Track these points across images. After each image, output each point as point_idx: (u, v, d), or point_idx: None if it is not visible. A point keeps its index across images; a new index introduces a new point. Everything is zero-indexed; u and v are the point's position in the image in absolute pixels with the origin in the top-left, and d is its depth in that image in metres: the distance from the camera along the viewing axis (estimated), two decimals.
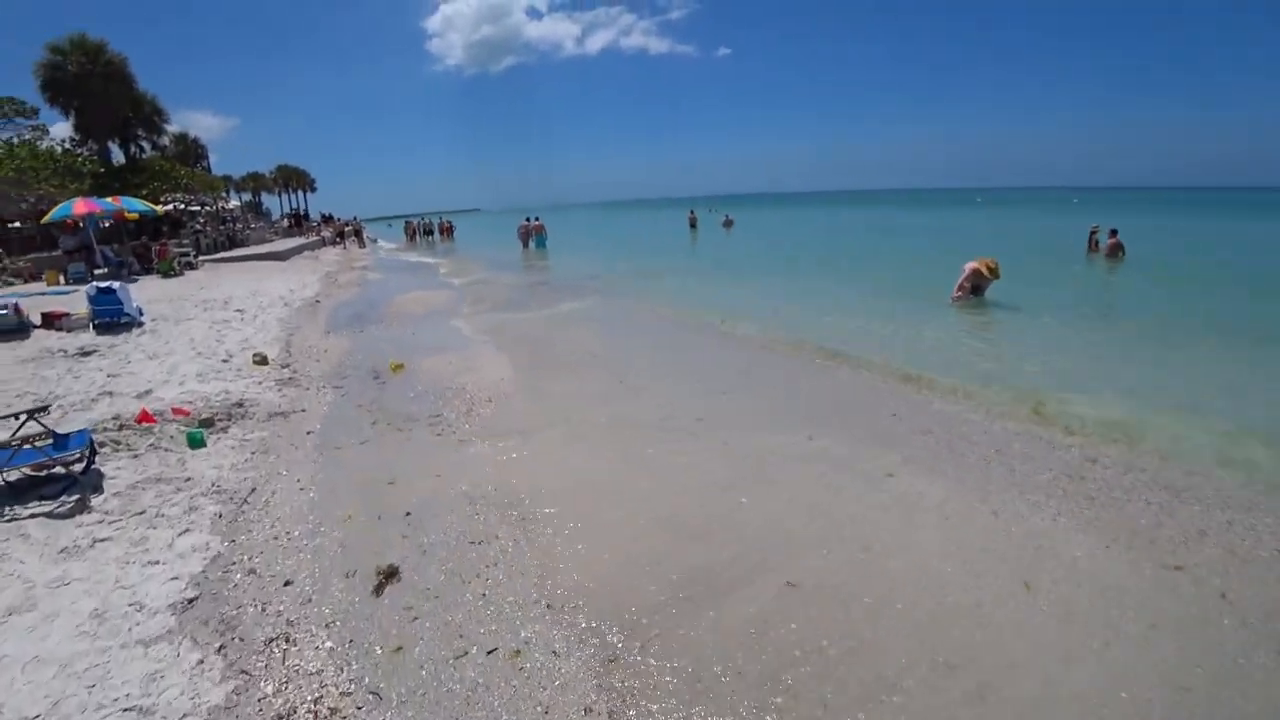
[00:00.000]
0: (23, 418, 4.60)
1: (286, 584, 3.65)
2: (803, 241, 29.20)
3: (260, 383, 7.23)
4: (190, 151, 44.26)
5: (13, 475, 4.42)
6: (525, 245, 26.38)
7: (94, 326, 10.05)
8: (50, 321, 10.12)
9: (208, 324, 10.69)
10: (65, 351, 8.62)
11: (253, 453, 5.35)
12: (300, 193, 69.58)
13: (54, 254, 22.07)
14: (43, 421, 4.68)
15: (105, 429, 5.40)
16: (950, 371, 7.23)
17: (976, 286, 11.27)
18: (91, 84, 25.02)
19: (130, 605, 3.42)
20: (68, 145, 25.32)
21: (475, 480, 4.84)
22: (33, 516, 4.20)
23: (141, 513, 4.33)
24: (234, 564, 3.83)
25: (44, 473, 4.56)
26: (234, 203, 45.87)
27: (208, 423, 5.77)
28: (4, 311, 9.50)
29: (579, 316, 11.25)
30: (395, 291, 15.21)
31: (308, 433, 5.90)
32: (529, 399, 6.64)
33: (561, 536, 4.03)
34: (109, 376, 7.28)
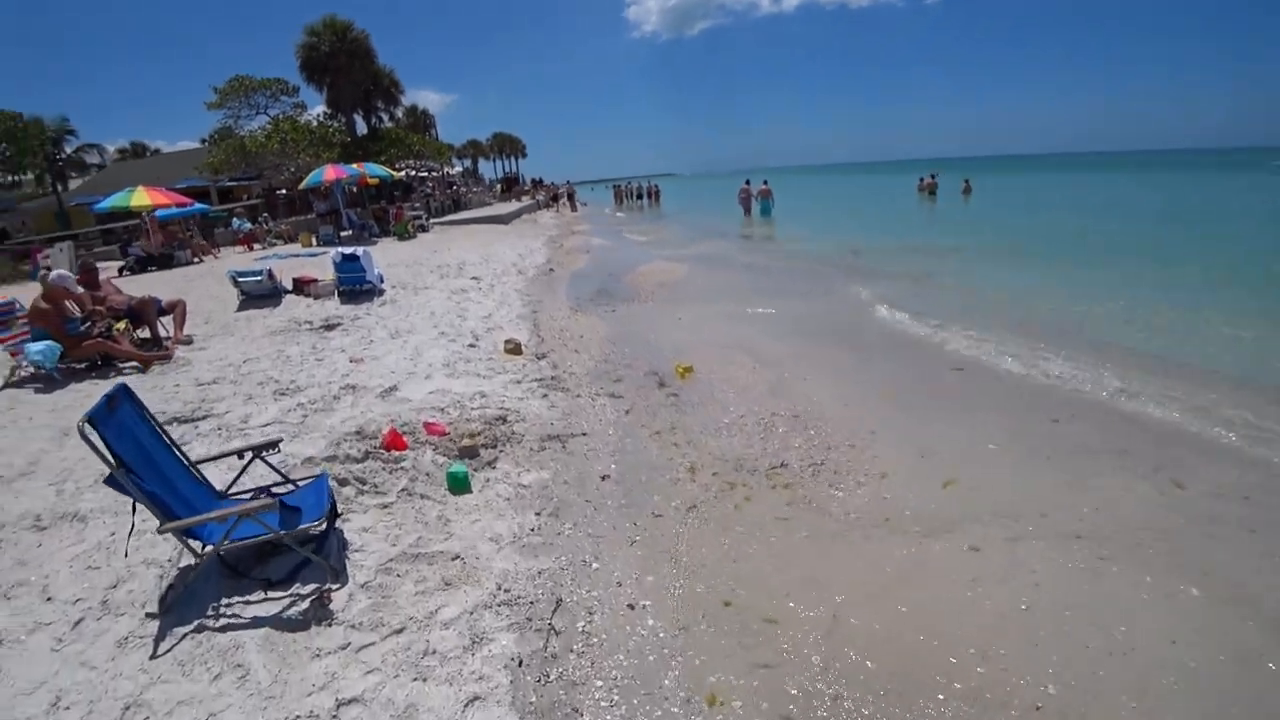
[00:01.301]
0: (248, 457, 3.12)
1: None
2: (1076, 212, 23.42)
3: (519, 381, 5.63)
4: (420, 122, 47.40)
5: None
6: (747, 212, 23.84)
7: (339, 294, 9.41)
8: (300, 287, 9.65)
9: (446, 294, 9.66)
10: (310, 324, 7.82)
11: (538, 514, 3.56)
12: (513, 158, 73.23)
13: (309, 217, 23.82)
14: (271, 463, 3.20)
15: (347, 456, 3.93)
16: None
17: None
18: (339, 60, 26.59)
19: None
20: (321, 118, 27.30)
21: (924, 626, 2.62)
22: (254, 624, 2.67)
23: (400, 631, 2.65)
24: None
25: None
26: (457, 168, 48.66)
27: (470, 452, 4.13)
28: (259, 278, 9.08)
29: (890, 307, 8.50)
30: (629, 260, 13.55)
31: (602, 478, 4.04)
32: (907, 451, 4.26)
33: None
34: (351, 363, 6.12)
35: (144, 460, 2.60)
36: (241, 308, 9.00)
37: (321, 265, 10.72)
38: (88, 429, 2.37)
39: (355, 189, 22.04)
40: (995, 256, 12.88)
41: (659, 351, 6.49)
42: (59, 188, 30.52)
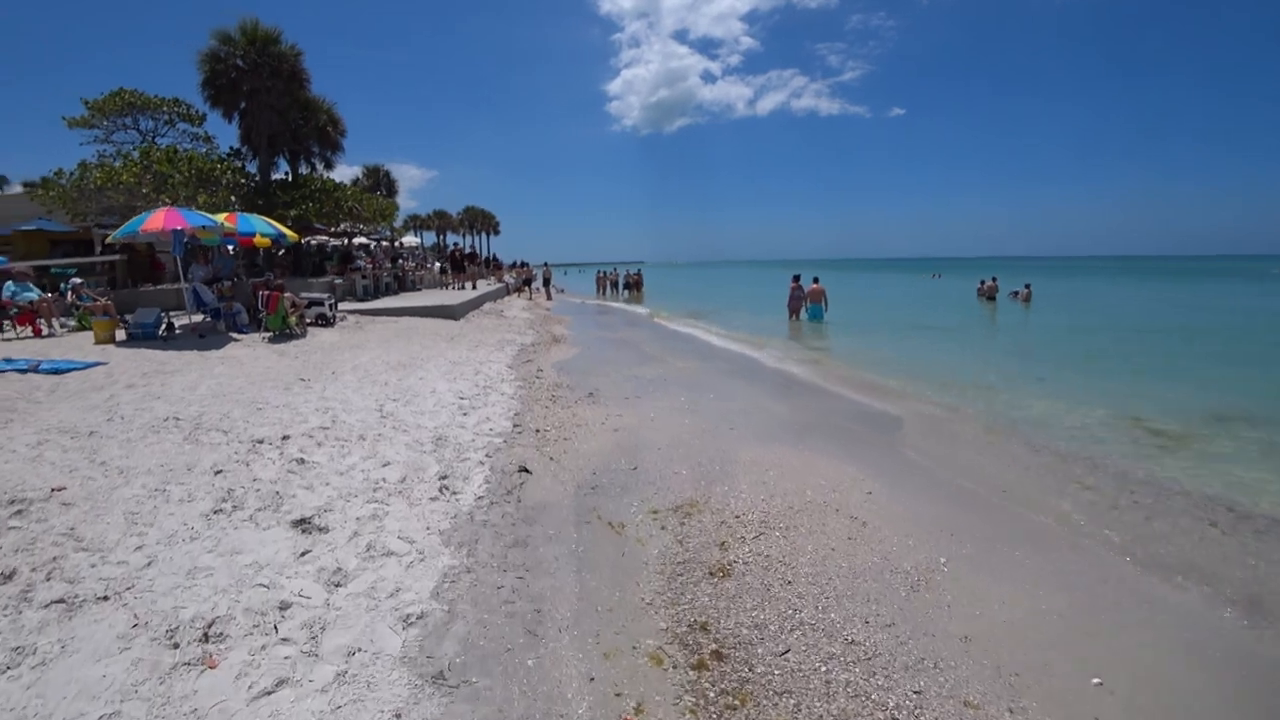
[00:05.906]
0: None
1: None
2: (1189, 323, 17.78)
3: None
4: (380, 184, 40.87)
5: None
6: (794, 315, 17.28)
7: None
8: None
9: (231, 607, 2.29)
10: None
11: None
12: (485, 234, 67.46)
13: (173, 287, 16.32)
14: None
15: None
16: None
17: None
18: (258, 79, 19.76)
19: None
20: (219, 154, 20.07)
21: None
22: None
23: None
24: None
25: None
26: (411, 239, 41.70)
27: None
28: None
29: None
30: (697, 437, 6.01)
31: None
32: None
33: None
34: None
35: None
36: None
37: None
38: None
39: (233, 251, 14.72)
40: None
41: None
42: None
